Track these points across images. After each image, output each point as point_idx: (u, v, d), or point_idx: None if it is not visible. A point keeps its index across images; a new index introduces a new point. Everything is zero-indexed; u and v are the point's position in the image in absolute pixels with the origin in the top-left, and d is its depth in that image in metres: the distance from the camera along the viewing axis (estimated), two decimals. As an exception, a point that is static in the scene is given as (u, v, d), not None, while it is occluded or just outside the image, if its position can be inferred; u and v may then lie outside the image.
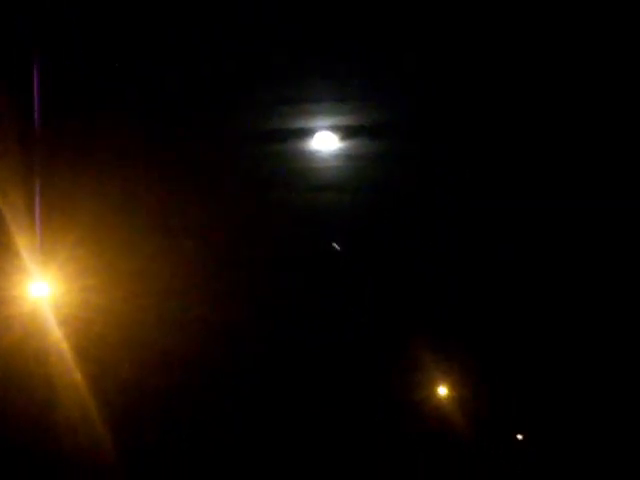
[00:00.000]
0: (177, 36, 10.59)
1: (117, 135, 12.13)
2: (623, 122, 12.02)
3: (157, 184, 13.10)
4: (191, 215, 13.91)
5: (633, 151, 12.66)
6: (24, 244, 11.18)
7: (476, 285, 17.90)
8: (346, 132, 12.44)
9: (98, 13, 10.04)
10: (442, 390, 22.25)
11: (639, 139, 12.37)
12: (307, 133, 12.51)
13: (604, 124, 12.03)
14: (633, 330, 19.86)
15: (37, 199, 11.41)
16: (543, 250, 16.08)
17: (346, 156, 12.99)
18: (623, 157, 12.84)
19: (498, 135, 12.53)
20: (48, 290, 11.71)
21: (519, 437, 29.82)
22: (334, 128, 12.36)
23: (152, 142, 12.54)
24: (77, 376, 12.99)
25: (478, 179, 13.70)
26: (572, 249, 15.96)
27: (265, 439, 17.00)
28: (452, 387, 22.44)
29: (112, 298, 12.74)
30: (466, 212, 14.70)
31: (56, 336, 12.29)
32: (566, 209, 14.40)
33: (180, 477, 15.40)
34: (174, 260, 13.70)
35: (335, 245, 15.56)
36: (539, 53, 10.68)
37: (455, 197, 14.23)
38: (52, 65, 10.81)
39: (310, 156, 13.06)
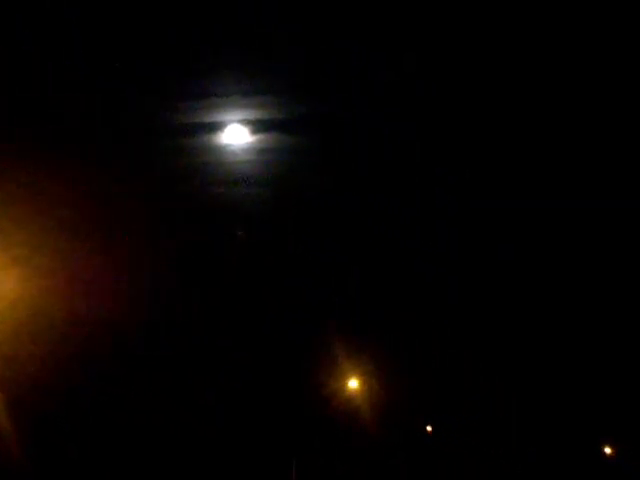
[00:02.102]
0: (85, 28, 10.52)
1: (22, 133, 11.96)
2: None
3: (65, 180, 12.93)
4: (101, 210, 13.77)
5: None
6: None
7: (384, 277, 18.11)
8: (257, 126, 12.48)
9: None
10: (353, 383, 22.44)
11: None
12: (218, 127, 12.51)
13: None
14: (554, 320, 20.35)
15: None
16: (451, 239, 16.32)
17: (257, 150, 13.03)
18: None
19: (407, 128, 12.76)
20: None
21: (429, 429, 30.32)
22: (245, 122, 12.39)
23: (61, 139, 12.39)
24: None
25: (386, 171, 13.93)
26: (489, 229, 16.16)
27: (177, 424, 16.99)
28: (363, 380, 22.64)
29: (22, 291, 12.55)
30: (374, 203, 14.92)
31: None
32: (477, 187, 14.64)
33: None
34: (84, 254, 13.55)
35: (243, 235, 15.57)
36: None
37: (363, 189, 14.45)
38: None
39: (221, 150, 13.06)
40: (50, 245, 13.23)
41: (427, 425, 30.31)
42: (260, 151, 13.08)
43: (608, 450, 35.61)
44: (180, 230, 15.05)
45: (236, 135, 12.65)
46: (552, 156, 13.36)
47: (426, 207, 14.95)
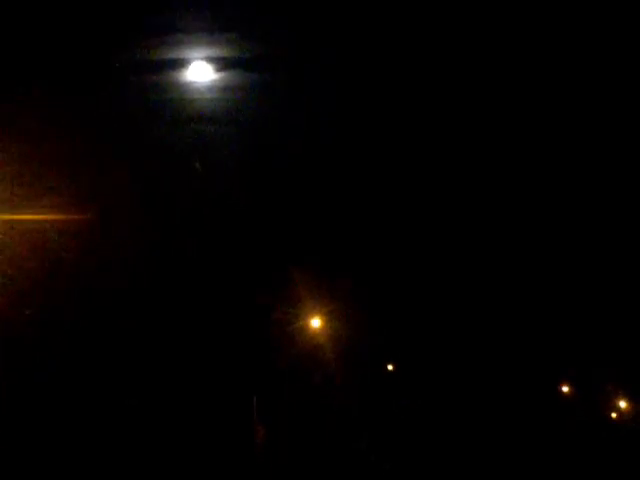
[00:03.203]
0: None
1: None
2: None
3: (33, 118, 12.87)
4: (67, 147, 13.72)
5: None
6: None
7: (350, 214, 18.29)
8: (221, 64, 12.46)
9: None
10: (315, 322, 22.76)
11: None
12: (182, 64, 12.47)
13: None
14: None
15: None
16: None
17: (221, 88, 13.03)
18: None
19: (370, 70, 12.85)
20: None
21: (389, 367, 30.81)
22: (209, 59, 12.36)
23: (30, 75, 12.30)
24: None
25: (353, 110, 14.03)
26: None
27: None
28: (325, 318, 22.94)
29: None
30: (339, 143, 15.06)
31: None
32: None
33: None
34: (54, 191, 13.51)
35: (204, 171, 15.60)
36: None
37: (329, 128, 14.55)
38: None
39: (185, 87, 13.05)
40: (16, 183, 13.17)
41: (388, 364, 30.83)
42: (224, 89, 13.08)
43: (566, 389, 36.58)
44: (144, 169, 15.08)
45: (200, 72, 12.62)
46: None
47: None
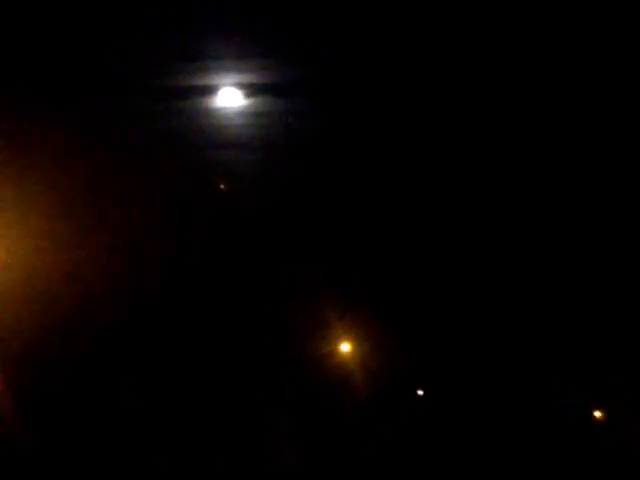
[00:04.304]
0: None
1: (16, 96, 11.93)
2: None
3: (58, 144, 12.92)
4: (94, 173, 13.76)
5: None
6: None
7: (379, 242, 18.16)
8: (250, 89, 12.46)
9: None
10: (345, 347, 22.59)
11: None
12: (211, 90, 12.50)
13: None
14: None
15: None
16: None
17: (250, 114, 13.03)
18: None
19: (398, 97, 12.78)
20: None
21: (420, 393, 30.49)
22: (238, 85, 12.37)
23: (54, 103, 12.36)
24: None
25: (379, 138, 13.94)
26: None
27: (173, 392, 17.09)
28: (355, 343, 22.78)
29: (15, 255, 12.57)
30: (365, 169, 14.95)
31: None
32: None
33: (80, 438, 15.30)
34: (76, 216, 13.56)
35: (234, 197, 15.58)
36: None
37: (355, 154, 14.45)
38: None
39: (214, 113, 13.05)
40: (44, 208, 13.23)
41: (418, 389, 30.55)
42: (254, 115, 13.08)
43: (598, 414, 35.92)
44: (172, 194, 15.06)
45: (230, 98, 12.64)
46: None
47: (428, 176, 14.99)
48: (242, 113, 13.02)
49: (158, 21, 11.03)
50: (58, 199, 13.34)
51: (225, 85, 12.36)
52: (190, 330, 17.38)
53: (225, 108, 12.88)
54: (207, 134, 13.67)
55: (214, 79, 12.21)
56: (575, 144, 13.35)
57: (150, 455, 16.11)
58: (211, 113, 13.05)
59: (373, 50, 11.62)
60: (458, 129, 13.48)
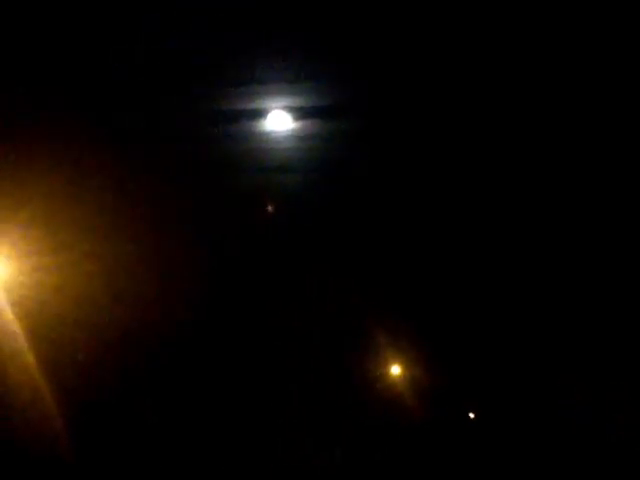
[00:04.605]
0: (130, 20, 10.58)
1: (69, 117, 12.08)
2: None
3: (108, 166, 13.06)
4: (143, 196, 13.88)
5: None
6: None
7: (428, 264, 18.05)
8: (299, 112, 12.47)
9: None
10: (395, 369, 22.46)
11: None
12: (260, 114, 12.54)
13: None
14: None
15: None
16: (494, 231, 16.25)
17: (299, 137, 13.04)
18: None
19: (451, 117, 12.68)
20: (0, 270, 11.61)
21: (471, 415, 30.18)
22: (287, 108, 12.40)
23: (103, 126, 12.50)
24: (30, 358, 12.90)
25: (430, 160, 13.84)
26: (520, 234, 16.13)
27: (222, 418, 17.09)
28: (405, 366, 22.65)
29: (65, 277, 12.69)
30: (419, 191, 14.84)
31: (7, 317, 12.21)
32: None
33: (133, 458, 15.39)
34: (126, 240, 13.67)
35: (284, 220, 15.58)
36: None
37: (408, 177, 14.36)
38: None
39: (263, 137, 13.09)
40: (94, 230, 13.37)
41: (470, 412, 30.22)
42: (303, 137, 13.09)
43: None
44: (222, 217, 15.12)
45: (279, 121, 12.66)
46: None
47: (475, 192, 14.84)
48: (291, 136, 13.02)
49: (208, 47, 11.11)
50: (107, 221, 13.47)
51: (274, 108, 12.38)
52: (238, 350, 17.42)
53: (274, 131, 12.90)
54: (256, 157, 13.70)
55: (263, 103, 12.24)
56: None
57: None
58: (261, 136, 13.08)
59: (424, 72, 11.56)
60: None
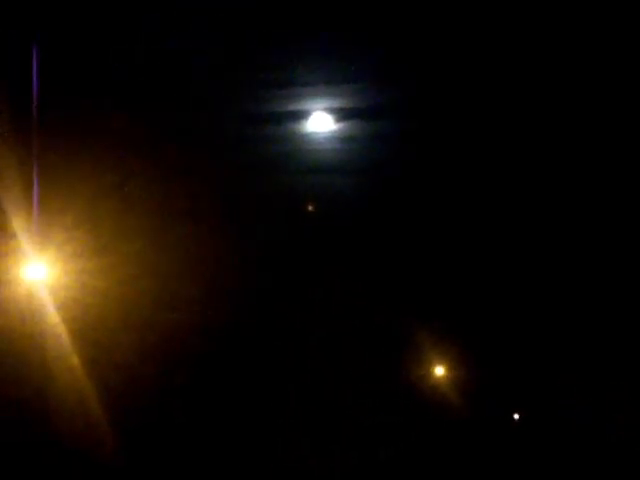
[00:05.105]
0: (171, 19, 10.66)
1: (113, 118, 12.20)
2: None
3: (152, 167, 13.15)
4: (187, 198, 13.94)
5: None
6: (21, 226, 11.17)
7: (472, 266, 17.90)
8: (341, 114, 12.48)
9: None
10: (439, 370, 22.29)
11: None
12: (302, 115, 12.57)
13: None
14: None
15: (34, 181, 11.43)
16: (536, 236, 16.08)
17: (341, 138, 13.04)
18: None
19: (495, 119, 12.60)
20: (45, 272, 11.67)
21: (516, 417, 29.88)
22: (329, 110, 12.41)
23: (147, 126, 12.60)
24: (74, 360, 12.98)
25: (474, 163, 13.74)
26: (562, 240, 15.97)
27: (263, 420, 17.08)
28: (449, 367, 22.48)
29: (110, 280, 12.78)
30: (461, 195, 14.73)
31: (53, 319, 12.29)
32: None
33: (178, 461, 15.45)
34: (171, 243, 13.74)
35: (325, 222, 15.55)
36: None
37: (451, 180, 14.26)
38: (46, 51, 10.87)
39: (305, 138, 13.11)
40: (139, 232, 13.46)
41: (514, 413, 29.93)
42: (345, 139, 13.08)
43: None
44: (264, 219, 15.13)
45: (321, 123, 12.68)
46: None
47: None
48: (333, 137, 13.02)
49: (253, 48, 11.16)
50: (152, 224, 13.56)
51: (316, 110, 12.39)
52: (279, 350, 17.43)
53: (316, 133, 12.92)
54: (298, 159, 13.71)
55: (305, 104, 12.27)
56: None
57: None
58: (302, 138, 13.09)
59: (468, 73, 11.49)
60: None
